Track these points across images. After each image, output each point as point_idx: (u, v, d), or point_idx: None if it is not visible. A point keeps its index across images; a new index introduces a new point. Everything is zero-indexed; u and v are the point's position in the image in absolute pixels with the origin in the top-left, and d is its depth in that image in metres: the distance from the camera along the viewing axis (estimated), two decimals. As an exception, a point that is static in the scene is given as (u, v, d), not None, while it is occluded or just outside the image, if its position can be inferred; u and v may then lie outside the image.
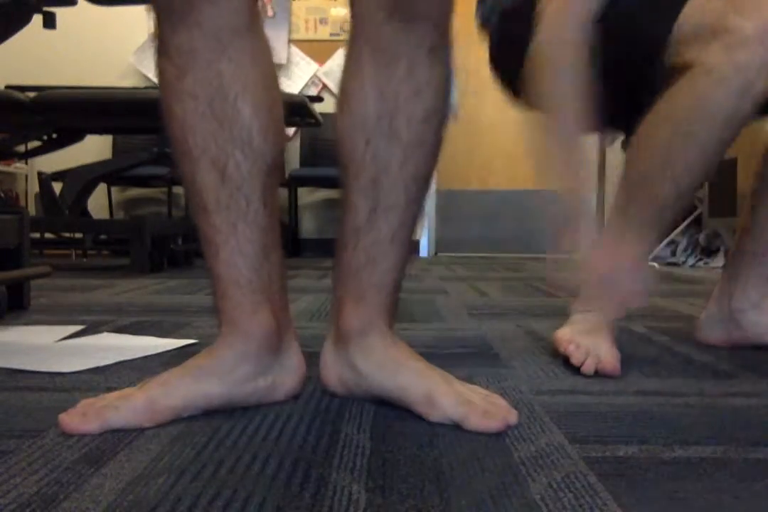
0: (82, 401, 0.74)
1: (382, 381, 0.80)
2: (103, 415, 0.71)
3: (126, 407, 0.72)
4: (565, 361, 1.04)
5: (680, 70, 0.97)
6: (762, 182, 1.21)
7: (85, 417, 0.71)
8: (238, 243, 0.77)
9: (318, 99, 3.65)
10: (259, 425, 0.74)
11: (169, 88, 0.76)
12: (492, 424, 0.72)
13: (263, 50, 0.78)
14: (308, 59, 4.63)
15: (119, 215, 4.57)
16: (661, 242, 3.57)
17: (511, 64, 1.13)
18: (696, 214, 3.77)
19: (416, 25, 0.74)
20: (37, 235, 3.55)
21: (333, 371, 0.85)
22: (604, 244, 1.04)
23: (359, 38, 0.77)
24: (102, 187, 4.12)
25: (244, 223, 0.76)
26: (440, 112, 0.79)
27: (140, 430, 0.71)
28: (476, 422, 0.72)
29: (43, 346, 1.18)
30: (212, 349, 0.80)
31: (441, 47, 0.77)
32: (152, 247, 2.89)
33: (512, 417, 0.74)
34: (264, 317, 0.78)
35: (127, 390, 0.77)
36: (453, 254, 4.53)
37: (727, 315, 1.21)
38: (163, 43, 0.74)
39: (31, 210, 4.14)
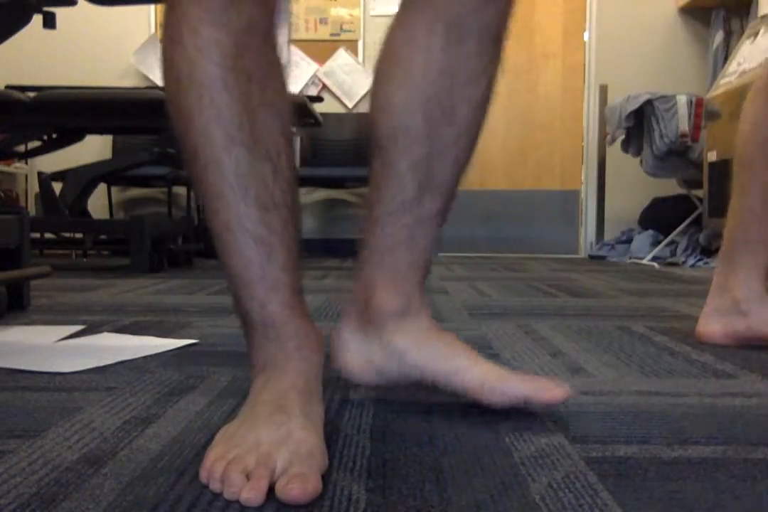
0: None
1: (428, 363, 0.77)
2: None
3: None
4: None
5: None
6: (744, 170, 1.21)
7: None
8: (292, 243, 0.69)
9: (318, 99, 3.65)
10: (259, 425, 0.74)
11: (221, 68, 0.64)
12: (561, 393, 0.73)
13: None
14: (308, 59, 4.63)
15: (119, 215, 4.57)
16: None
17: None
18: (696, 214, 3.77)
19: (490, 9, 0.73)
20: (37, 235, 3.55)
21: (357, 356, 0.80)
22: None
23: (429, 12, 0.74)
24: (102, 187, 4.12)
25: (295, 221, 0.70)
26: (490, 101, 0.78)
27: (140, 430, 0.71)
28: (547, 396, 0.73)
29: (43, 346, 1.18)
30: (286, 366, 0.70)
31: (502, 39, 0.76)
32: (152, 247, 2.89)
33: (566, 387, 0.75)
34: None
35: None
36: (453, 254, 4.53)
37: (729, 307, 1.21)
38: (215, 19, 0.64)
39: (31, 210, 4.14)
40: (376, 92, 0.79)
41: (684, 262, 3.68)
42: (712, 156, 3.45)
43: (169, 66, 0.67)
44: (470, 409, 0.78)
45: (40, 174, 3.16)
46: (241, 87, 0.64)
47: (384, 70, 0.78)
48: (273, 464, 0.56)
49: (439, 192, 0.78)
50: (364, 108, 4.44)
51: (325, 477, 0.58)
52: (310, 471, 0.56)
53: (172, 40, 0.66)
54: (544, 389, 0.74)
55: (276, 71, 0.68)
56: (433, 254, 0.82)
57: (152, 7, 4.59)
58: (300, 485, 0.54)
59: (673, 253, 3.79)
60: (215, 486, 0.56)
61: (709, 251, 3.63)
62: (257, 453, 0.58)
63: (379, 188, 0.78)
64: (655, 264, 3.58)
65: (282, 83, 0.69)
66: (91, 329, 1.36)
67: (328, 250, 4.41)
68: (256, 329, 0.70)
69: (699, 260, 3.65)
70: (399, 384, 0.81)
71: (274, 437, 0.59)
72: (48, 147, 3.24)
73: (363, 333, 0.80)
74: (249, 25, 0.64)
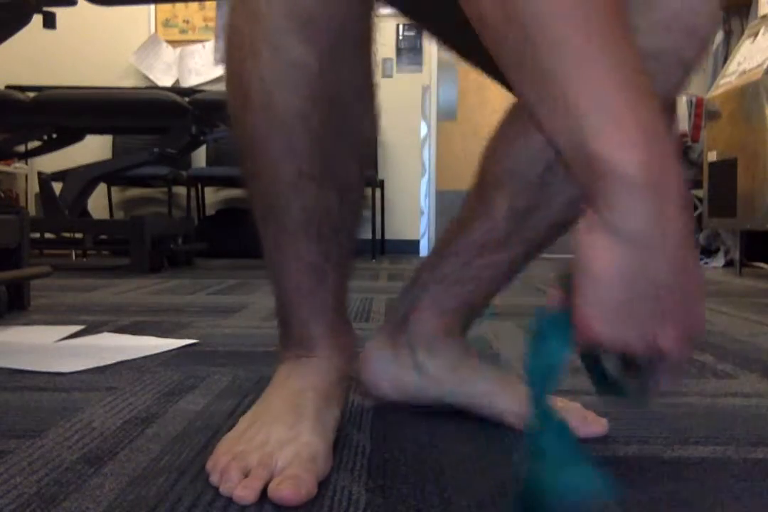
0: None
1: (464, 388, 0.76)
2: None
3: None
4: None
5: None
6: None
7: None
8: (346, 265, 0.70)
9: (318, 99, 3.64)
10: (259, 425, 0.74)
11: (300, 95, 0.59)
12: (597, 429, 0.72)
13: None
14: (308, 59, 4.62)
15: (119, 215, 4.57)
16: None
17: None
18: (696, 214, 3.77)
19: None
20: (37, 235, 3.54)
21: (386, 375, 0.78)
22: None
23: None
24: (102, 187, 4.12)
25: (352, 243, 0.69)
26: None
27: (140, 430, 0.71)
28: (586, 430, 0.71)
29: (43, 346, 1.18)
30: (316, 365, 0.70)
31: None
32: (152, 247, 2.89)
33: (604, 421, 0.74)
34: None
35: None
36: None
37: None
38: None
39: (31, 210, 4.14)
40: (492, 146, 0.75)
41: (684, 262, 3.68)
42: (712, 156, 3.45)
43: (237, 79, 0.60)
44: (470, 409, 0.78)
45: (40, 174, 3.16)
46: (320, 115, 0.59)
47: (505, 127, 0.75)
48: (273, 464, 0.57)
49: (529, 244, 0.75)
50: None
51: (325, 477, 0.58)
52: (306, 474, 0.56)
53: (243, 49, 0.58)
54: (582, 424, 0.71)
55: (362, 88, 0.63)
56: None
57: (152, 7, 4.59)
58: (292, 486, 0.54)
59: (673, 253, 3.78)
60: (214, 478, 0.57)
61: (708, 251, 3.63)
62: (261, 452, 0.58)
63: (469, 222, 0.75)
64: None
65: (367, 105, 0.64)
66: (91, 329, 1.36)
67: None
68: (292, 335, 0.70)
69: (699, 260, 3.65)
70: (424, 404, 0.78)
71: (282, 437, 0.59)
72: (48, 147, 3.24)
73: (393, 349, 0.78)
74: (340, 33, 0.57)
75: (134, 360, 1.07)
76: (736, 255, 3.19)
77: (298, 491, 0.54)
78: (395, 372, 0.77)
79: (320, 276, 0.66)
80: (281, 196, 0.62)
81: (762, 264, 3.08)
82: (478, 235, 0.74)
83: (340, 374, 0.70)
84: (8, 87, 3.14)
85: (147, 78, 4.53)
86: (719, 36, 4.28)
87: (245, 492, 0.54)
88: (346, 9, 0.57)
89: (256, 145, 0.61)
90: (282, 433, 0.60)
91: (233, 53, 0.60)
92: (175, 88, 4.03)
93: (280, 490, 0.54)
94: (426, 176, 4.70)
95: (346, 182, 0.64)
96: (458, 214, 0.78)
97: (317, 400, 0.65)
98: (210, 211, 4.53)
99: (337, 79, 0.59)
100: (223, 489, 0.55)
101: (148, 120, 3.06)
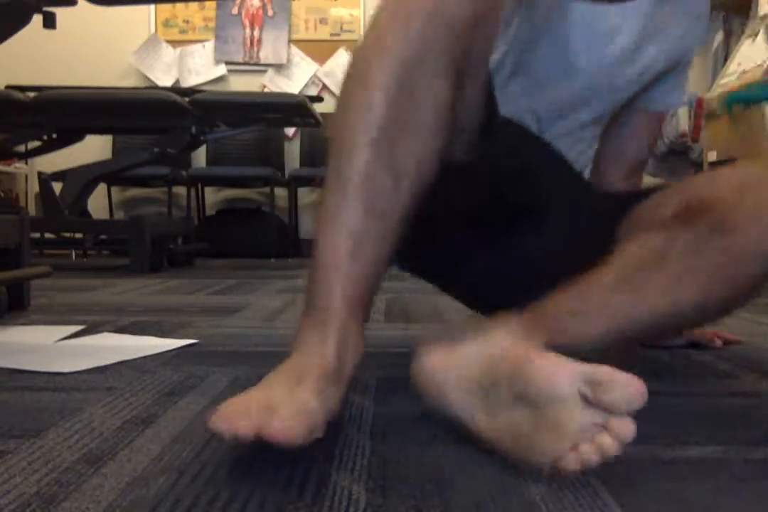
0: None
1: None
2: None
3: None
4: None
5: None
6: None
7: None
8: (382, 256, 0.73)
9: (318, 99, 3.65)
10: (259, 425, 0.74)
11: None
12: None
13: None
14: (308, 59, 4.62)
15: (119, 215, 4.57)
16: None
17: None
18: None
19: None
20: (37, 235, 3.55)
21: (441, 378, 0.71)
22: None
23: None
24: (102, 187, 4.12)
25: (394, 239, 0.74)
26: None
27: (140, 430, 0.71)
28: None
29: (43, 346, 1.18)
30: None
31: None
32: (152, 247, 2.89)
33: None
34: None
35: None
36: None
37: None
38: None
39: (31, 210, 4.14)
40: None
41: (684, 262, 3.67)
42: (712, 156, 3.45)
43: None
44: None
45: (40, 174, 3.16)
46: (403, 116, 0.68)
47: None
48: (269, 412, 0.58)
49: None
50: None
51: (325, 477, 0.59)
52: (296, 419, 0.57)
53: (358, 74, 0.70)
54: None
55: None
56: None
57: (152, 7, 4.59)
58: (279, 423, 0.55)
59: (673, 253, 3.78)
60: (213, 420, 0.58)
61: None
62: (260, 403, 0.59)
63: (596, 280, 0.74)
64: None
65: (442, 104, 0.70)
66: (91, 329, 1.36)
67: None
68: (310, 314, 0.70)
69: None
70: None
71: (283, 396, 0.61)
72: (48, 147, 3.24)
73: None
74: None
75: (134, 360, 1.07)
76: (736, 255, 3.18)
77: (282, 428, 0.55)
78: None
79: (358, 246, 0.69)
80: (349, 155, 0.69)
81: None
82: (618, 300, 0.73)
83: (346, 360, 0.69)
84: (8, 87, 3.14)
85: (147, 78, 4.53)
86: (719, 36, 4.28)
87: (242, 426, 0.55)
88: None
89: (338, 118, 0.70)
90: (283, 394, 0.61)
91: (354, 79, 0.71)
92: (175, 88, 4.03)
93: (268, 425, 0.55)
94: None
95: (406, 172, 0.69)
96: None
97: (320, 379, 0.65)
98: (210, 211, 4.54)
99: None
100: (216, 427, 0.56)
101: (148, 120, 3.06)
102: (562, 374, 0.57)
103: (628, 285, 0.71)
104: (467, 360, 0.66)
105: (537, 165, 1.00)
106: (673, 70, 1.04)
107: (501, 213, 0.96)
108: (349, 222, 0.69)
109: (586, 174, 1.10)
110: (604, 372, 0.55)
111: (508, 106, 0.94)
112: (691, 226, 0.70)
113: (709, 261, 0.69)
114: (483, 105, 0.84)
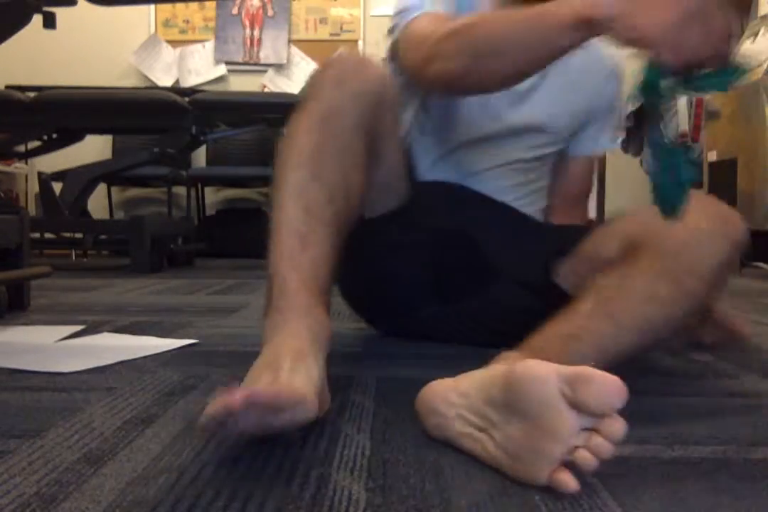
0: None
1: None
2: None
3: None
4: None
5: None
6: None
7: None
8: (328, 256, 0.85)
9: (318, 99, 3.64)
10: (259, 425, 0.74)
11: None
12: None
13: None
14: (308, 59, 4.62)
15: (119, 215, 4.57)
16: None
17: None
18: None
19: None
20: (37, 235, 3.54)
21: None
22: None
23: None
24: (102, 187, 4.12)
25: (335, 244, 0.88)
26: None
27: (140, 430, 0.72)
28: None
29: (43, 346, 1.18)
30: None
31: None
32: (152, 247, 2.89)
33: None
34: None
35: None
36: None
37: None
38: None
39: (31, 210, 4.14)
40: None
41: (684, 262, 3.67)
42: (712, 156, 3.45)
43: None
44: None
45: (40, 174, 3.16)
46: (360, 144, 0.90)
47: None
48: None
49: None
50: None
51: (325, 477, 0.59)
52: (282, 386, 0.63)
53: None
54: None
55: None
56: None
57: (152, 7, 4.59)
58: (267, 386, 0.62)
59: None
60: (201, 418, 0.59)
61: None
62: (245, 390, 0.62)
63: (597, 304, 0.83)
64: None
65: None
66: (91, 329, 1.36)
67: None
68: (272, 305, 0.78)
69: None
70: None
71: (268, 380, 0.65)
72: (48, 147, 3.24)
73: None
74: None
75: (134, 360, 1.07)
76: (736, 255, 3.18)
77: (277, 390, 0.61)
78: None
79: (304, 244, 0.81)
80: (284, 178, 0.85)
81: (762, 264, 3.08)
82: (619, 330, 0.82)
83: (315, 334, 0.75)
84: (8, 87, 3.14)
85: (147, 78, 4.53)
86: (719, 36, 4.27)
87: (230, 400, 0.56)
88: None
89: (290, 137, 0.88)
90: (267, 380, 0.65)
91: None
92: (175, 88, 4.03)
93: (259, 390, 0.59)
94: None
95: (337, 189, 0.85)
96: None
97: (291, 357, 0.69)
98: (210, 211, 4.54)
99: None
100: (209, 414, 0.58)
101: (148, 120, 3.06)
102: (542, 375, 0.58)
103: (603, 313, 0.81)
104: (465, 387, 0.68)
105: (460, 199, 1.18)
106: (594, 122, 1.24)
107: (437, 244, 1.14)
108: (295, 223, 0.82)
109: (536, 204, 1.25)
110: (583, 372, 0.56)
111: (428, 155, 1.20)
112: (640, 258, 0.83)
113: (661, 283, 0.81)
114: (403, 163, 1.10)
